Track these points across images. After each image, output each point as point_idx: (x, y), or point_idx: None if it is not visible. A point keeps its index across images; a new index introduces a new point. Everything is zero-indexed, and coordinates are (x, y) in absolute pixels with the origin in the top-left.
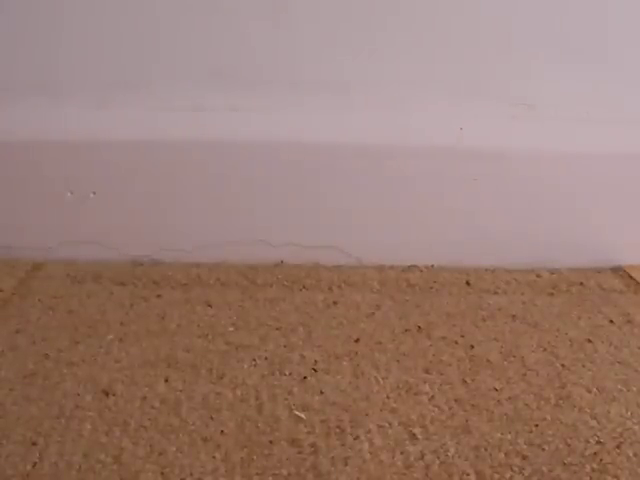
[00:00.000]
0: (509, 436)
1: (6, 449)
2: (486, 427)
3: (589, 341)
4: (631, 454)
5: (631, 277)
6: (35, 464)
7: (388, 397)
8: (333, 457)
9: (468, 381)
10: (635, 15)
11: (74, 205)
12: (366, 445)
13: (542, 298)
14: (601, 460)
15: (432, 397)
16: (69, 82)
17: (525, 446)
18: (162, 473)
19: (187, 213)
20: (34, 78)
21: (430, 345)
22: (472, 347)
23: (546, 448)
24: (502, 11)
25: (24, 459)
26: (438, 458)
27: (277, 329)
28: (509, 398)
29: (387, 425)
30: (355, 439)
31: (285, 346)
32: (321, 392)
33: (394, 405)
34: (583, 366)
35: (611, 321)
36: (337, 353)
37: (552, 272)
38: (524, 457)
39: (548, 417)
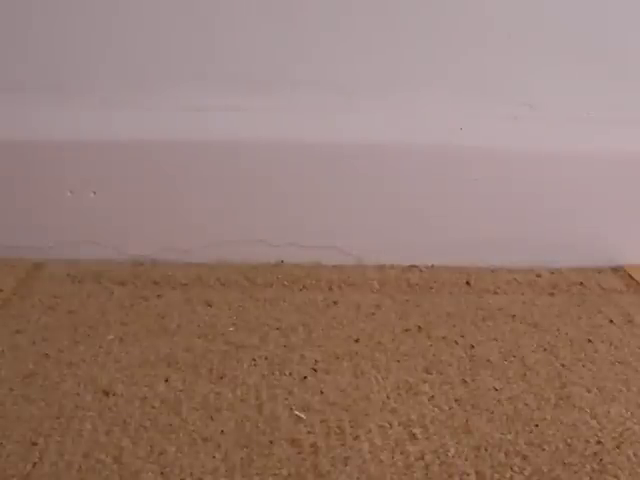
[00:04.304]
0: (509, 436)
1: (6, 449)
2: (486, 427)
3: (589, 341)
4: (631, 454)
5: (631, 277)
6: (35, 464)
7: (388, 397)
8: (333, 457)
9: (468, 381)
10: (637, 15)
11: (74, 205)
12: (366, 445)
13: (542, 298)
14: (601, 460)
15: (432, 397)
16: (70, 82)
17: (525, 446)
18: (162, 473)
19: (187, 213)
20: (35, 78)
21: (430, 345)
22: (472, 347)
23: (546, 448)
24: (504, 11)
25: (24, 459)
26: (438, 458)
27: (277, 329)
28: (509, 398)
29: (387, 425)
30: (355, 439)
31: (285, 346)
32: (321, 392)
33: (394, 405)
34: (583, 366)
35: (611, 321)
36: (337, 353)
37: (552, 272)
38: (524, 457)
39: (548, 417)
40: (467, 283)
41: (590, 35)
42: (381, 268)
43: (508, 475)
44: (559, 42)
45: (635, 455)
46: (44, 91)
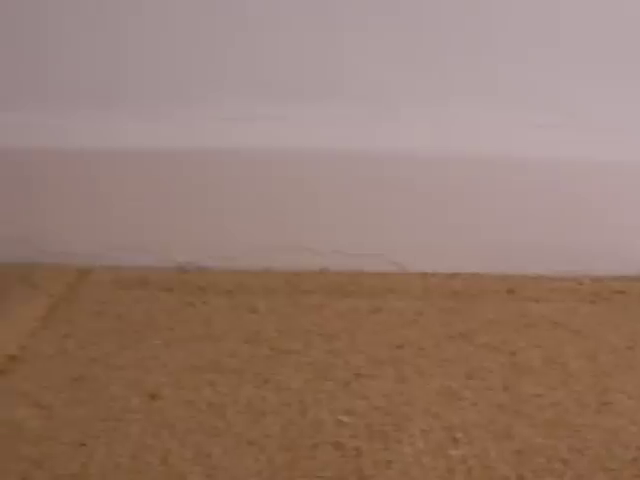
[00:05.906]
0: (550, 441)
1: (56, 450)
2: (527, 432)
3: (630, 348)
4: None
5: None
6: (84, 464)
7: (431, 402)
8: (376, 460)
9: (510, 387)
10: None
11: (121, 212)
12: (409, 449)
13: (584, 306)
14: None
15: (474, 402)
16: (125, 94)
17: (566, 451)
18: (208, 475)
19: (233, 221)
20: (94, 90)
21: (472, 351)
22: (514, 354)
23: (586, 453)
24: (531, 22)
25: (73, 459)
26: (480, 462)
27: (321, 335)
28: (550, 404)
29: (430, 429)
30: (398, 443)
31: (329, 352)
32: (365, 397)
33: (436, 410)
34: (624, 373)
35: None
36: (380, 359)
37: (594, 280)
38: (565, 462)
39: (589, 423)
40: (509, 291)
41: (615, 44)
42: (424, 275)
43: (549, 479)
44: (584, 52)
45: None
46: (100, 103)
